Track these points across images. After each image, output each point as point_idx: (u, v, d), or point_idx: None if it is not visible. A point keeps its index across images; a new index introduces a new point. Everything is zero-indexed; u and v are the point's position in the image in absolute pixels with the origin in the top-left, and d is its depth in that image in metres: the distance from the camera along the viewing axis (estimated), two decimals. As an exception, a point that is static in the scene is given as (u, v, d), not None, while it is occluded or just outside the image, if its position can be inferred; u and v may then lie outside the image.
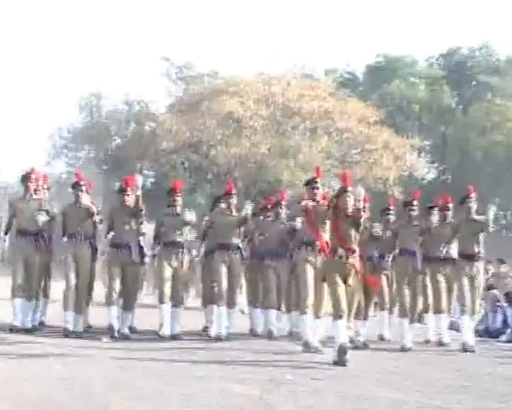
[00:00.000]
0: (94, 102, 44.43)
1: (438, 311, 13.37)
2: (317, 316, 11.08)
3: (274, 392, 7.66)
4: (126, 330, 12.74)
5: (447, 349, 12.75)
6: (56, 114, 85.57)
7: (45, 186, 13.56)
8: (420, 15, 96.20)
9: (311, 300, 11.12)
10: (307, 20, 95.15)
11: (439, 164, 51.98)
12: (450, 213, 13.59)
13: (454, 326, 14.48)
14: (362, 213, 10.20)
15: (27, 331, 12.40)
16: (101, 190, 30.09)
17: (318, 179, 11.62)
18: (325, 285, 10.46)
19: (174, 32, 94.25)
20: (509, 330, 15.26)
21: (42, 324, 13.51)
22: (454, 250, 13.41)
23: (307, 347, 11.07)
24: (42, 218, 12.75)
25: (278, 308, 13.73)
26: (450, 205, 13.69)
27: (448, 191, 13.94)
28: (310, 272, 11.22)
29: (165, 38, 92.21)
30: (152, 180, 43.57)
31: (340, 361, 9.68)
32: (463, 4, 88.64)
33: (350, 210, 10.01)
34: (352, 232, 10.09)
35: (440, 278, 13.43)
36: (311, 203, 11.15)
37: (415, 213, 13.21)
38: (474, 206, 12.98)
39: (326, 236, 11.02)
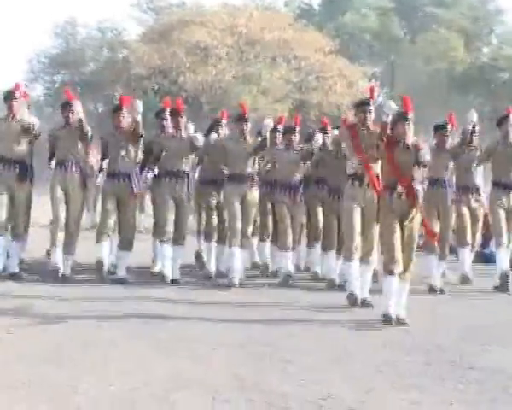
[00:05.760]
0: (69, 29, 44.75)
1: (462, 244, 11.53)
2: (365, 261, 9.11)
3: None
4: (123, 273, 10.64)
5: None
6: (32, 40, 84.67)
7: (25, 103, 11.01)
8: None
9: (357, 244, 9.09)
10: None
11: (389, 90, 52.99)
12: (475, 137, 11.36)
13: (487, 258, 13.10)
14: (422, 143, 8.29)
15: (13, 277, 10.32)
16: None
17: (371, 102, 9.21)
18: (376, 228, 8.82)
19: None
20: None
21: (21, 262, 11.12)
22: (479, 178, 11.66)
23: (353, 300, 9.05)
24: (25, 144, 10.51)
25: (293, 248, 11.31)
26: (477, 128, 11.28)
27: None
28: (356, 212, 9.04)
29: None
30: (124, 103, 44.26)
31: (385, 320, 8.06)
32: None
33: (409, 141, 8.16)
34: (413, 167, 8.14)
35: (465, 209, 11.40)
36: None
37: (447, 139, 10.90)
38: None
39: (377, 168, 8.90)
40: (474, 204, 11.59)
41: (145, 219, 16.84)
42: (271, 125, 10.66)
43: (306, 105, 38.70)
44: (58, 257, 10.46)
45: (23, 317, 7.87)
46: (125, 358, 6.37)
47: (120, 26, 45.50)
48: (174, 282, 10.62)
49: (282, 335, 7.49)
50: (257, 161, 11.22)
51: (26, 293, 9.32)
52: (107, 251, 10.77)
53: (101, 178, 11.52)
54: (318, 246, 11.54)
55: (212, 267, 11.46)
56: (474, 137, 11.28)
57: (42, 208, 12.31)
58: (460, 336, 7.71)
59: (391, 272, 8.07)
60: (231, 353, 6.68)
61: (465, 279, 11.49)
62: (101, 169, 11.45)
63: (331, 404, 5.24)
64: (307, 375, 5.98)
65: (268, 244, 12.09)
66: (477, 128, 11.26)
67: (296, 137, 11.34)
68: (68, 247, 10.56)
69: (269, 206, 11.77)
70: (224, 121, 11.84)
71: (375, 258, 9.31)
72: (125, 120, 10.72)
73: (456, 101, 41.13)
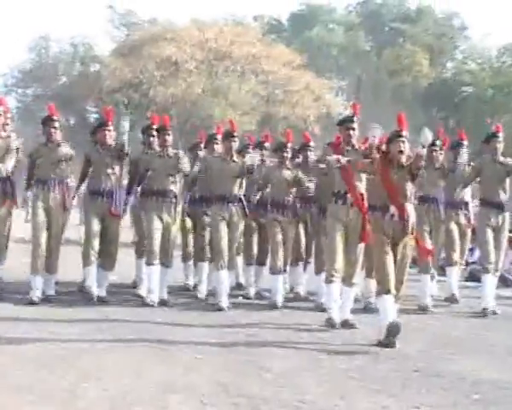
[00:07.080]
0: (42, 44, 45.00)
1: (450, 263, 11.42)
2: (348, 284, 8.92)
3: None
4: (103, 293, 10.28)
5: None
6: (6, 55, 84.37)
7: (8, 116, 10.44)
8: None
9: (339, 265, 8.81)
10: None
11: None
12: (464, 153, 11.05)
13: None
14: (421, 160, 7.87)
15: None
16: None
17: (355, 119, 9.07)
18: (362, 248, 8.84)
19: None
20: None
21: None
22: (468, 194, 11.42)
23: (331, 325, 8.91)
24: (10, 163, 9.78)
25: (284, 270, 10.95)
26: (465, 142, 11.19)
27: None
28: (338, 233, 8.77)
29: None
30: (95, 116, 44.47)
31: (389, 343, 7.79)
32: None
33: (404, 159, 7.85)
34: (407, 186, 7.90)
35: (453, 226, 11.29)
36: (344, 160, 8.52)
37: (438, 155, 10.84)
38: (501, 146, 10.54)
39: (361, 187, 8.70)
40: (462, 220, 11.42)
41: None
42: (256, 161, 10.21)
43: (273, 118, 39.11)
44: (39, 283, 9.98)
45: (20, 330, 8.16)
46: (118, 365, 6.76)
47: (92, 41, 45.93)
48: (162, 303, 10.16)
49: (261, 346, 7.90)
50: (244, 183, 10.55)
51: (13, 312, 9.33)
52: (94, 276, 10.31)
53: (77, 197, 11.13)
54: (301, 265, 11.42)
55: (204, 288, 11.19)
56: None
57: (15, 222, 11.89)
58: (427, 346, 8.17)
59: (387, 292, 7.81)
60: (216, 361, 7.08)
61: (452, 299, 11.26)
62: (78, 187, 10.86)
63: (307, 407, 5.64)
64: (285, 381, 6.38)
65: (253, 267, 11.59)
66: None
67: (288, 154, 10.77)
68: (51, 266, 10.16)
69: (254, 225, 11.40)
70: (219, 137, 11.06)
71: (358, 280, 9.22)
72: (111, 136, 10.25)
73: (421, 114, 41.77)
